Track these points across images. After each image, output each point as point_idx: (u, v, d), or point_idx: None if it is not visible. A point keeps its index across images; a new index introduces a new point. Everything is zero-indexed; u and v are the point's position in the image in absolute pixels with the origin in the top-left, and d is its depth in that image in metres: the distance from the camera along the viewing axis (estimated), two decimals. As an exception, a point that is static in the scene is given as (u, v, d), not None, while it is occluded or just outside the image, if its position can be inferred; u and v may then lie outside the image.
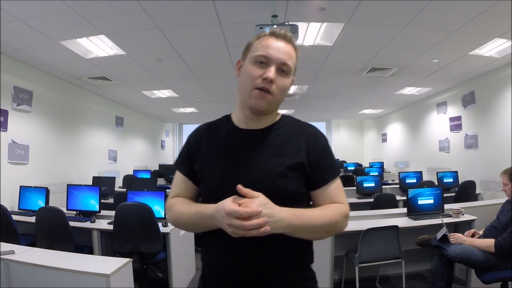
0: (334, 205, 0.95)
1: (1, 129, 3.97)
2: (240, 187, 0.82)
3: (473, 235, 2.57)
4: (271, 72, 0.89)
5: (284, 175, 0.90)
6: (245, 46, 0.98)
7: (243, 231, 0.78)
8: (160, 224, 2.81)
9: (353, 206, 4.77)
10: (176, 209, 0.97)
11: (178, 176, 1.03)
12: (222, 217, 0.81)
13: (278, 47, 0.92)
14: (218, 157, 0.96)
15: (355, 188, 5.04)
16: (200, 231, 0.95)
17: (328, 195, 0.95)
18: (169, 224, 2.90)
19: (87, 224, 3.13)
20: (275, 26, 2.95)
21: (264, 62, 0.91)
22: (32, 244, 2.99)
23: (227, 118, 1.04)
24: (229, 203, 0.81)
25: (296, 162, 0.92)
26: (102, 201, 3.46)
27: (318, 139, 0.98)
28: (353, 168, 8.28)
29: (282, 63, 0.91)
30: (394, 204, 4.23)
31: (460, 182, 5.20)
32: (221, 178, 0.93)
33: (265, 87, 0.89)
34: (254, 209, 0.78)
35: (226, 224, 0.80)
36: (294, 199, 0.90)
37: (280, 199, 0.86)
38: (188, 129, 10.22)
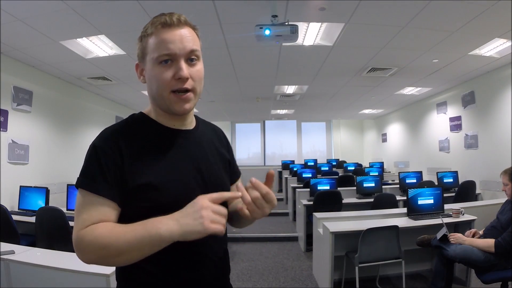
0: None
1: (1, 129, 3.97)
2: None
3: (473, 235, 2.57)
4: (183, 69, 0.79)
5: (226, 174, 0.96)
6: (139, 42, 0.85)
7: (217, 225, 0.69)
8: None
9: (353, 206, 4.82)
10: (103, 232, 0.71)
11: (93, 200, 0.76)
12: (195, 207, 0.70)
13: (177, 37, 0.80)
14: (167, 166, 0.82)
15: (355, 188, 5.03)
16: (140, 258, 0.72)
17: (239, 188, 1.01)
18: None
19: (87, 224, 3.13)
20: (275, 26, 2.96)
21: (169, 59, 0.80)
22: (32, 244, 3.00)
23: (146, 118, 0.88)
24: (203, 197, 0.72)
25: (226, 160, 0.98)
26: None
27: (224, 134, 1.05)
28: (353, 168, 8.28)
29: (189, 52, 0.81)
30: (394, 204, 4.23)
31: (460, 182, 5.19)
32: (181, 189, 0.81)
33: (182, 88, 0.80)
34: (224, 193, 0.75)
35: (207, 217, 0.68)
36: None
37: None
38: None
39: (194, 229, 0.68)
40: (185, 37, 0.81)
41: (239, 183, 0.90)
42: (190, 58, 0.82)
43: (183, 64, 0.80)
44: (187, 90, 0.81)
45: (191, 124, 0.93)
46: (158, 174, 0.79)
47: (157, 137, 0.85)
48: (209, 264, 0.85)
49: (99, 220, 0.75)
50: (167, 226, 0.69)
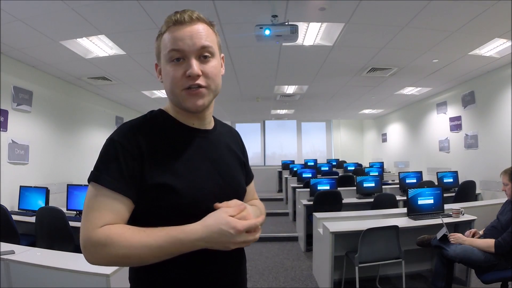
0: (258, 201, 1.06)
1: (1, 129, 3.97)
2: (217, 205, 0.78)
3: (473, 235, 2.57)
4: (193, 66, 0.78)
5: (241, 175, 0.96)
6: (155, 46, 0.86)
7: (247, 243, 0.75)
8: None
9: (353, 206, 4.80)
10: (126, 241, 0.69)
11: (108, 196, 0.73)
12: (228, 237, 0.71)
13: (188, 34, 0.79)
14: (186, 166, 0.80)
15: (355, 188, 5.03)
16: (159, 260, 0.73)
17: (251, 191, 1.05)
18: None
19: (87, 224, 3.13)
20: (275, 26, 2.96)
21: (180, 57, 0.79)
22: (32, 244, 3.00)
23: (166, 115, 0.87)
24: (234, 220, 0.73)
25: (241, 161, 0.98)
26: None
27: (240, 136, 1.06)
28: (353, 168, 8.28)
29: (200, 48, 0.79)
30: (394, 204, 4.23)
31: (460, 182, 5.19)
32: (199, 190, 0.80)
33: (194, 85, 0.79)
34: (258, 219, 0.77)
35: (239, 243, 0.73)
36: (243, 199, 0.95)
37: (241, 199, 0.90)
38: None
39: (219, 248, 0.73)
40: (196, 34, 0.79)
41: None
42: (204, 55, 0.80)
43: (194, 61, 0.78)
44: (199, 86, 0.80)
45: (210, 124, 0.92)
46: (176, 174, 0.78)
47: (176, 136, 0.83)
48: (223, 256, 0.79)
49: (113, 220, 0.72)
50: (195, 246, 0.72)
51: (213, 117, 0.95)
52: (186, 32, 0.79)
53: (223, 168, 0.87)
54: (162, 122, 0.85)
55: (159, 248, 0.69)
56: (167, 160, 0.78)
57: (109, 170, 0.74)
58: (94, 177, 0.75)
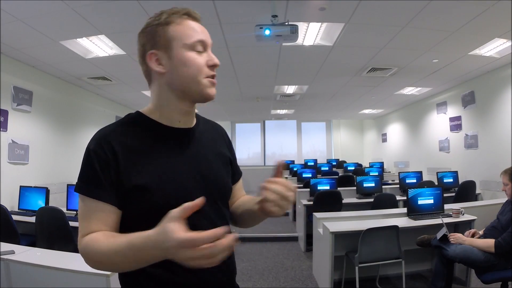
0: (248, 196, 1.04)
1: (1, 129, 3.97)
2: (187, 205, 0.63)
3: (473, 235, 2.57)
4: (215, 58, 0.84)
5: (227, 174, 0.95)
6: (150, 32, 0.83)
7: (210, 260, 0.60)
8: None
9: (353, 206, 4.80)
10: (96, 248, 0.70)
11: (92, 205, 0.75)
12: (173, 250, 0.59)
13: (203, 29, 0.86)
14: (163, 166, 0.79)
15: (355, 188, 5.03)
16: (135, 268, 0.71)
17: (241, 188, 1.05)
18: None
19: (87, 224, 3.13)
20: (275, 26, 2.96)
21: (202, 49, 0.83)
22: (32, 244, 3.00)
23: (143, 117, 0.86)
24: (177, 230, 0.59)
25: (227, 158, 0.97)
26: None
27: (226, 133, 1.04)
28: (353, 168, 8.28)
29: (211, 45, 0.87)
30: (394, 204, 4.23)
31: (460, 182, 5.19)
32: (177, 189, 0.78)
33: (215, 75, 0.85)
34: (218, 230, 0.59)
35: (184, 260, 0.60)
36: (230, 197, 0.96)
37: (227, 199, 0.91)
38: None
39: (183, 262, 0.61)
40: (206, 32, 0.86)
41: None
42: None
43: (212, 54, 0.85)
44: (214, 76, 0.85)
45: (192, 121, 0.91)
46: (153, 174, 0.77)
47: (154, 137, 0.83)
48: (213, 268, 0.67)
49: (97, 228, 0.74)
50: (154, 259, 0.65)
51: (197, 114, 0.94)
52: (202, 28, 0.85)
53: (204, 165, 0.86)
54: (139, 124, 0.84)
55: (122, 254, 0.67)
56: (142, 161, 0.78)
57: (89, 180, 0.76)
58: (77, 188, 0.78)
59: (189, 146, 0.86)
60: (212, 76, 0.84)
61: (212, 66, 0.84)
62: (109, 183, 0.76)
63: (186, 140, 0.86)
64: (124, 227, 0.77)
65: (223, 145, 0.98)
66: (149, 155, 0.80)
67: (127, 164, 0.77)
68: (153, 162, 0.79)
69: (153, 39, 0.82)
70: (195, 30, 0.83)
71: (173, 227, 0.60)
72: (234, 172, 1.00)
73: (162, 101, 0.85)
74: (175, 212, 0.62)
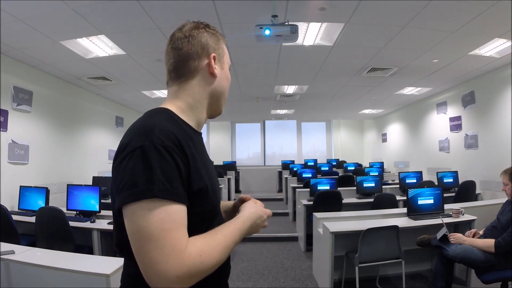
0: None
1: (1, 129, 3.97)
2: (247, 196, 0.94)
3: (473, 235, 2.57)
4: None
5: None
6: (215, 36, 0.87)
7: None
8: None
9: (353, 206, 4.81)
10: (215, 250, 0.69)
11: (179, 210, 0.66)
12: (262, 221, 0.87)
13: None
14: (207, 168, 0.80)
15: (355, 188, 5.04)
16: None
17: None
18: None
19: (87, 224, 3.13)
20: (275, 26, 2.96)
21: None
22: (32, 244, 2.99)
23: (177, 116, 0.81)
24: (263, 208, 0.90)
25: None
26: (102, 201, 3.47)
27: None
28: (353, 168, 8.28)
29: None
30: (394, 204, 4.23)
31: (460, 182, 5.19)
32: (216, 191, 0.84)
33: None
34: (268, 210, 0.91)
35: (263, 226, 0.89)
36: None
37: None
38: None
39: (253, 232, 0.85)
40: None
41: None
42: None
43: None
44: None
45: None
46: (207, 178, 0.77)
47: (196, 141, 0.81)
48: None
49: (187, 236, 0.66)
50: (245, 233, 0.80)
51: None
52: None
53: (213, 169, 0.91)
54: (180, 125, 0.78)
55: (234, 244, 0.75)
56: (199, 164, 0.75)
57: (169, 180, 0.65)
58: (157, 192, 0.63)
59: (205, 150, 0.90)
60: None
61: None
62: (185, 183, 0.69)
63: (204, 145, 0.91)
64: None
65: None
66: (199, 158, 0.77)
67: (194, 165, 0.72)
68: (204, 165, 0.78)
69: (217, 44, 0.88)
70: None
71: (259, 206, 0.90)
72: None
73: (197, 102, 0.85)
74: (246, 197, 0.94)
